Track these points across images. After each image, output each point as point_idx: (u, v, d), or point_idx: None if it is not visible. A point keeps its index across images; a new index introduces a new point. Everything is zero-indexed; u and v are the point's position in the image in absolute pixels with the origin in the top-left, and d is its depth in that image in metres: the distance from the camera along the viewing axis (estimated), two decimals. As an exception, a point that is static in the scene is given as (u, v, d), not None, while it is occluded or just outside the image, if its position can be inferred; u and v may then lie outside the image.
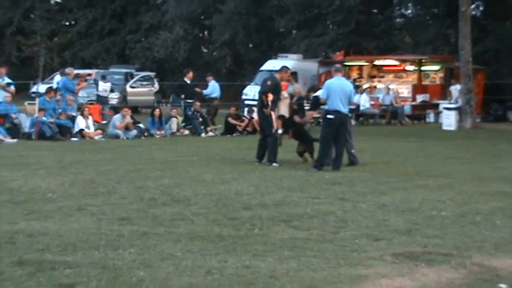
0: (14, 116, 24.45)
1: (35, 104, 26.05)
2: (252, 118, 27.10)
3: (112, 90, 37.55)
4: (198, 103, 28.83)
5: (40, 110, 24.68)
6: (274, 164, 17.34)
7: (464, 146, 24.27)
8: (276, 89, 17.90)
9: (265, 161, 17.67)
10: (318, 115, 18.36)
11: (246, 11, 50.07)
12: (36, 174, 14.90)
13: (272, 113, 17.71)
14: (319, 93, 17.75)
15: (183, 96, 29.49)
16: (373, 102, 36.35)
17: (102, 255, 8.18)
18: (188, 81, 30.20)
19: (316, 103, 17.72)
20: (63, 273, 7.46)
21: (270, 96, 17.64)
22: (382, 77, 40.81)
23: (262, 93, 17.88)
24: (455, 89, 36.76)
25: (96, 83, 36.25)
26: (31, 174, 14.86)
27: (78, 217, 10.39)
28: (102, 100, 33.56)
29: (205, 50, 58.82)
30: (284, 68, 18.87)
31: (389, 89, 37.97)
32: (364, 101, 35.69)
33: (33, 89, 42.46)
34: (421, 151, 22.28)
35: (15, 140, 22.75)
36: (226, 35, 50.54)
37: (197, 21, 56.20)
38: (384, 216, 10.90)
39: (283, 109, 18.25)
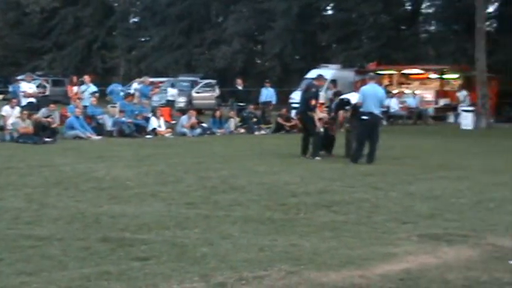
0: (99, 116, 24.71)
1: (116, 106, 26.29)
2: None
3: (179, 96, 37.78)
4: (252, 106, 28.92)
5: (120, 111, 24.93)
6: (317, 158, 17.30)
7: (480, 143, 24.01)
8: (317, 96, 18.06)
9: (309, 155, 17.65)
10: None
11: (293, 27, 49.93)
12: (116, 166, 15.03)
13: (314, 115, 17.77)
14: (346, 96, 18.07)
15: (233, 100, 29.98)
16: (401, 105, 36.10)
17: (171, 234, 8.22)
18: (239, 88, 30.48)
19: (343, 104, 17.84)
20: (140, 248, 7.52)
21: (313, 101, 17.73)
22: (409, 83, 40.53)
23: (309, 98, 17.90)
24: (462, 94, 36.55)
25: (166, 89, 36.54)
26: (113, 166, 14.99)
27: (151, 202, 10.46)
28: (170, 104, 33.72)
29: (258, 61, 58.80)
30: (321, 77, 19.30)
31: (415, 94, 37.71)
32: (394, 104, 35.49)
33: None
34: (443, 147, 22.08)
35: (100, 137, 22.96)
36: (276, 48, 50.50)
37: (252, 37, 56.25)
38: (411, 203, 10.82)
39: (319, 112, 18.37)
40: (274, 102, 31.60)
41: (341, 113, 17.93)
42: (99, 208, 9.83)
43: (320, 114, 18.37)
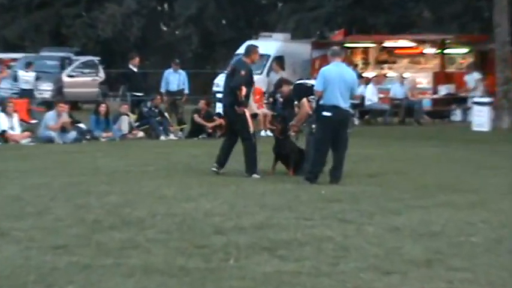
0: None
1: None
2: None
3: (41, 81, 37.45)
4: (157, 97, 28.86)
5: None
6: (255, 176, 17.32)
7: (500, 152, 24.38)
8: (250, 80, 17.74)
9: (230, 164, 17.72)
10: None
11: (217, -23, 50.33)
12: None
13: (246, 110, 17.52)
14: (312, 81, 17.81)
15: (126, 87, 29.95)
16: (382, 96, 36.43)
17: (31, 295, 8.17)
18: (135, 69, 30.30)
19: (305, 91, 17.51)
20: (-19, 318, 7.46)
21: (244, 90, 17.42)
22: (394, 62, 40.95)
23: (235, 87, 17.64)
24: (471, 78, 36.91)
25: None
26: None
27: (-1, 245, 10.38)
28: (25, 94, 33.19)
29: (165, 28, 58.89)
30: (252, 48, 18.52)
31: (403, 78, 38.08)
32: (370, 94, 35.78)
33: None
34: (445, 158, 22.39)
35: None
36: (192, 9, 50.63)
37: (155, -10, 56.44)
38: (397, 243, 10.93)
39: (254, 105, 18.25)
40: (187, 91, 31.60)
41: (305, 103, 17.49)
42: None
43: (255, 108, 18.25)
